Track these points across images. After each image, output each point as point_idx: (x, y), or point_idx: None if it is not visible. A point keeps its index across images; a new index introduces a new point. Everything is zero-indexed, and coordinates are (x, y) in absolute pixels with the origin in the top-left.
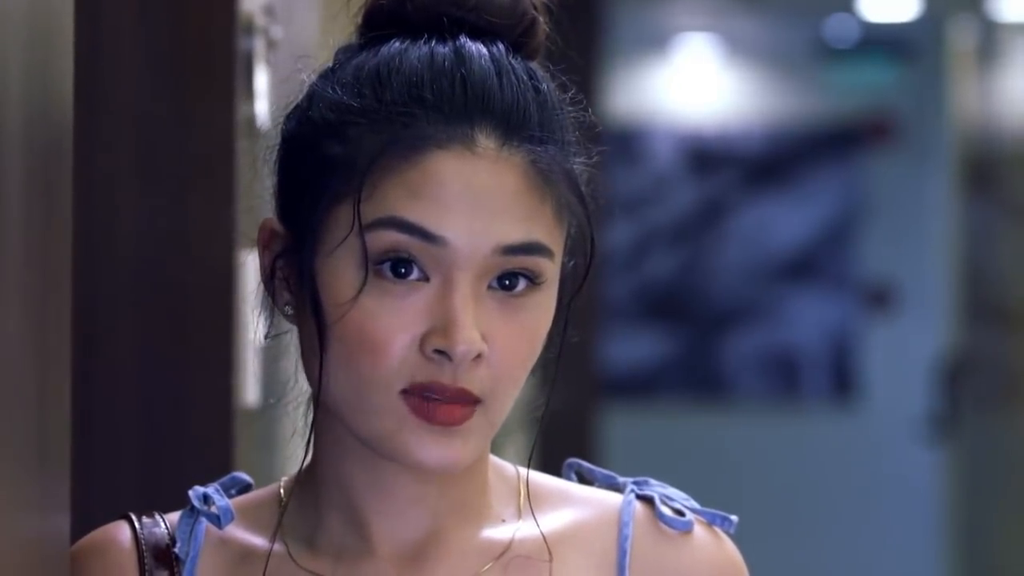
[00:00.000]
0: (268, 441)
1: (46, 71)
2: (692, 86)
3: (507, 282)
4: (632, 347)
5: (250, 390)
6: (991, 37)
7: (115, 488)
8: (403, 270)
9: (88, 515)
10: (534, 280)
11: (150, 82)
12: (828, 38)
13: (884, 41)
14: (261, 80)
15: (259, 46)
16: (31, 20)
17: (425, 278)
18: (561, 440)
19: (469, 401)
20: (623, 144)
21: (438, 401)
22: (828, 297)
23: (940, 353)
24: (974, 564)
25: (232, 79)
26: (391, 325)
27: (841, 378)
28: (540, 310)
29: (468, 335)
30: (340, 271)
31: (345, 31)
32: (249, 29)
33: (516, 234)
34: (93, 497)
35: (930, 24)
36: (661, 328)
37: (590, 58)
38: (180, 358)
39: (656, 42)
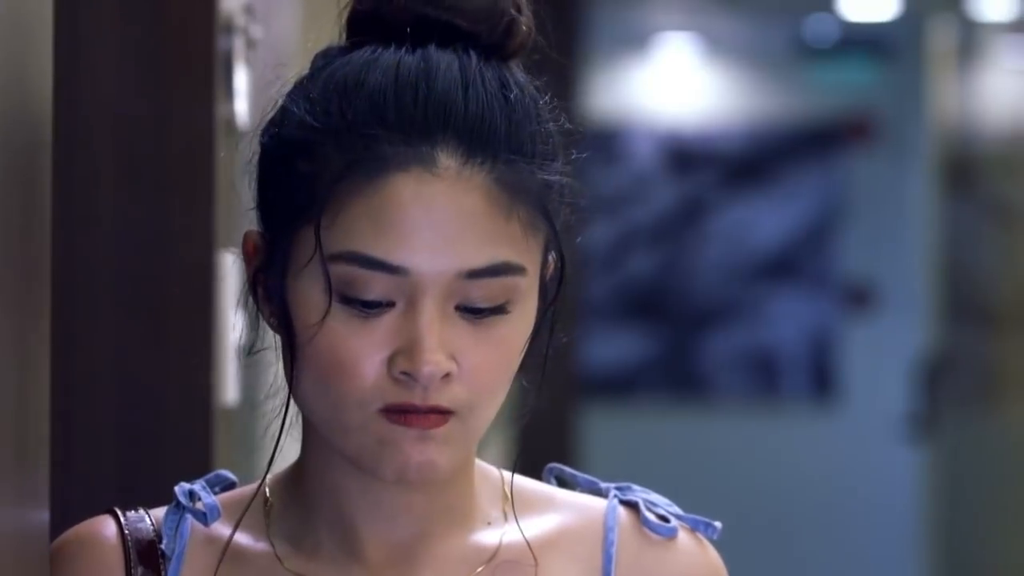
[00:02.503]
0: (247, 441)
1: (25, 70)
2: (672, 85)
3: (472, 312)
4: (612, 347)
5: (229, 390)
6: (971, 36)
7: (95, 487)
8: (370, 307)
9: (68, 514)
10: (501, 310)
11: (129, 81)
12: (808, 37)
13: (864, 40)
14: (241, 80)
15: (239, 45)
16: (10, 18)
17: (391, 303)
18: (540, 440)
19: (443, 413)
20: (603, 143)
21: (413, 414)
22: (808, 296)
23: (920, 352)
24: (954, 563)
25: (212, 78)
26: (359, 347)
27: (821, 377)
28: (513, 323)
29: (432, 357)
30: (307, 294)
31: (326, 31)
32: (229, 28)
33: (479, 258)
34: (73, 495)
35: (910, 23)
36: (641, 328)
37: (570, 58)
38: (159, 357)
39: (636, 42)
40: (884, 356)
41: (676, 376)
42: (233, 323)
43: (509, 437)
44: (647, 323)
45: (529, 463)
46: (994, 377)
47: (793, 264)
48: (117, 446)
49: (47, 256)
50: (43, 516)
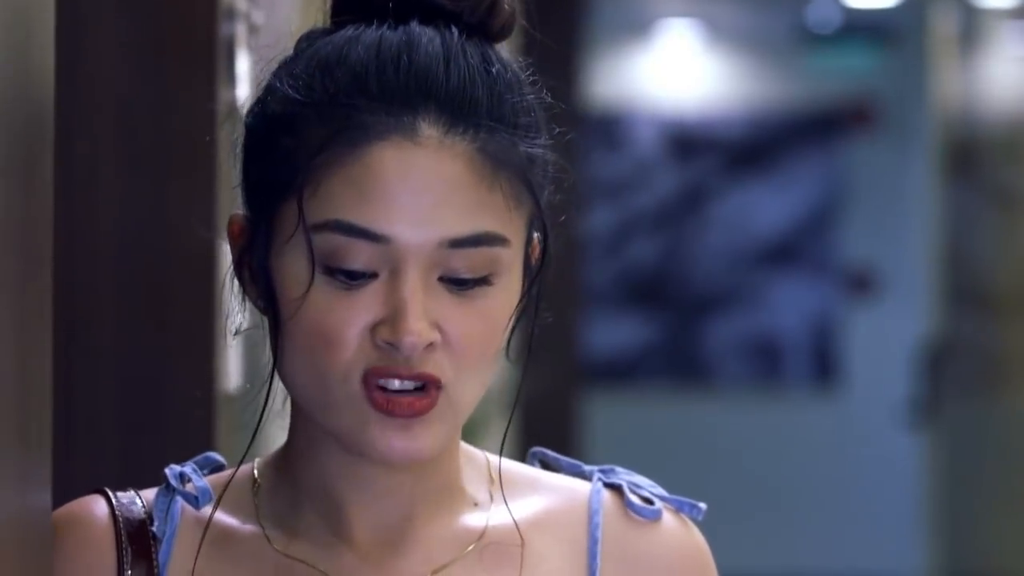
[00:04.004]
0: (249, 427)
1: (27, 55)
2: (674, 71)
3: (456, 283)
4: (613, 332)
5: (231, 375)
6: (972, 22)
7: (97, 472)
8: (353, 278)
9: (70, 499)
10: (485, 281)
11: (131, 67)
12: (810, 23)
13: (866, 27)
14: (242, 65)
15: (240, 31)
16: (11, 2)
17: (374, 274)
18: (542, 425)
19: (431, 387)
20: (605, 129)
21: (398, 394)
22: (810, 282)
23: (921, 338)
24: (954, 548)
25: (214, 64)
26: (343, 318)
27: (823, 363)
28: (497, 295)
29: (414, 327)
30: (291, 267)
31: (321, 16)
32: (230, 14)
33: (462, 227)
34: (75, 482)
35: (912, 9)
36: (643, 313)
37: (572, 43)
38: (161, 343)
39: (638, 28)
40: (886, 342)
41: (678, 362)
42: (231, 307)
43: (507, 423)
44: (649, 309)
45: (532, 448)
46: (995, 363)
47: (795, 250)
48: (119, 432)
49: (49, 241)
50: (45, 498)
